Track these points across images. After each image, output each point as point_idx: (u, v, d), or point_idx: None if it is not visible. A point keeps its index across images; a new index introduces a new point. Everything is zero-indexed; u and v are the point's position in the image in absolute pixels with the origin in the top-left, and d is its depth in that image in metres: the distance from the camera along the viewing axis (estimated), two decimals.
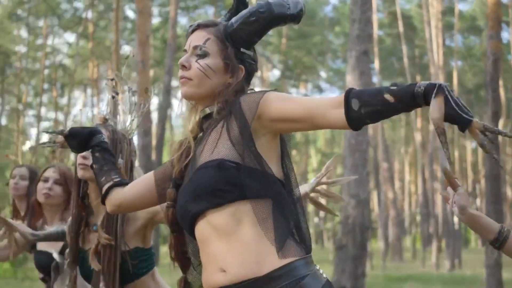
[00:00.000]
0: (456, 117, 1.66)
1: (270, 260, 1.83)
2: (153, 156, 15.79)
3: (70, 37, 51.92)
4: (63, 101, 37.25)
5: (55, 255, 3.54)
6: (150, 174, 2.20)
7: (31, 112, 38.83)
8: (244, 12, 2.02)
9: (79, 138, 2.32)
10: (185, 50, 2.07)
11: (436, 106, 1.66)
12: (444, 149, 1.70)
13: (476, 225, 2.36)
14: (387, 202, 30.98)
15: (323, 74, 38.34)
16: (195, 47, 2.03)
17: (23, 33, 35.54)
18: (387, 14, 32.00)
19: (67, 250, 3.04)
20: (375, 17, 26.84)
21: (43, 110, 38.19)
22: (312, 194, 2.91)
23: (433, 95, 1.66)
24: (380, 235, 27.23)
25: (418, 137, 30.28)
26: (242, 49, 2.05)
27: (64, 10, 33.53)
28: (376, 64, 27.45)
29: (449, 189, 2.33)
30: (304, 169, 41.52)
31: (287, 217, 1.92)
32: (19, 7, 32.15)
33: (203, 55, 2.02)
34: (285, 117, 1.88)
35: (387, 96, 1.72)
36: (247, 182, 1.86)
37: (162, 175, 2.16)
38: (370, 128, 31.27)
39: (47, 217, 3.66)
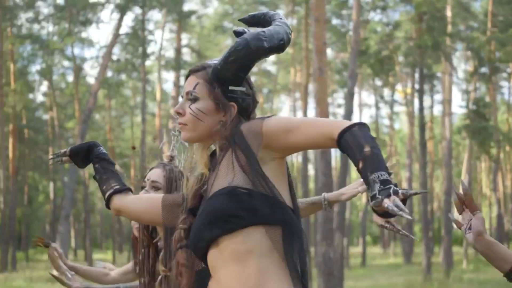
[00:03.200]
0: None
1: None
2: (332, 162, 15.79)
3: None
4: (269, 106, 38.49)
5: None
6: (158, 196, 2.32)
7: None
8: (225, 52, 2.10)
9: (81, 155, 2.47)
10: (182, 96, 2.17)
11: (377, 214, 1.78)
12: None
13: (491, 253, 2.13)
14: None
15: None
16: (187, 93, 2.13)
17: (229, 43, 37.16)
18: None
19: None
20: None
21: None
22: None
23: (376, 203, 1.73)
24: None
25: None
26: (230, 87, 2.11)
27: None
28: None
29: (463, 214, 2.18)
30: None
31: (293, 246, 1.97)
32: (225, 19, 33.71)
33: (194, 100, 2.11)
34: (290, 148, 2.00)
35: (366, 152, 1.81)
36: (259, 207, 1.93)
37: (170, 201, 2.26)
38: None
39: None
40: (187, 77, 2.18)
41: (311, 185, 35.48)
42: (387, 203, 1.67)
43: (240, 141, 2.00)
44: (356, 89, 35.30)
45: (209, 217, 1.97)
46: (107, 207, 2.38)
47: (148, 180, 2.92)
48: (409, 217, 1.64)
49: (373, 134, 1.88)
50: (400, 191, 1.70)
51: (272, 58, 37.68)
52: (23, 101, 31.97)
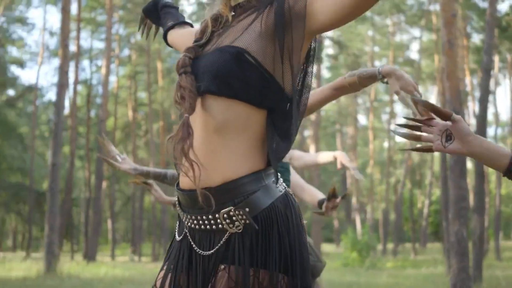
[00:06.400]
0: None
1: (228, 171, 1.75)
2: None
3: (416, 31, 51.94)
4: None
5: None
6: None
7: (387, 109, 39.92)
8: None
9: (153, 12, 2.53)
10: None
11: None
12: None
13: (486, 152, 1.80)
14: None
15: None
16: None
17: (371, 33, 36.71)
18: None
19: None
20: None
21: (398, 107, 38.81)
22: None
23: None
24: None
25: None
26: None
27: (410, 6, 33.86)
28: None
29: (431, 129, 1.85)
30: None
31: (273, 135, 1.79)
32: None
33: None
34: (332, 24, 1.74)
35: None
36: (253, 85, 1.75)
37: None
38: None
39: None
40: None
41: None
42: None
43: (280, 5, 1.77)
44: (507, 75, 33.70)
45: (209, 68, 1.76)
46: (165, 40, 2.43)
47: None
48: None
49: None
50: None
51: (415, 46, 36.68)
52: (171, 98, 33.19)
